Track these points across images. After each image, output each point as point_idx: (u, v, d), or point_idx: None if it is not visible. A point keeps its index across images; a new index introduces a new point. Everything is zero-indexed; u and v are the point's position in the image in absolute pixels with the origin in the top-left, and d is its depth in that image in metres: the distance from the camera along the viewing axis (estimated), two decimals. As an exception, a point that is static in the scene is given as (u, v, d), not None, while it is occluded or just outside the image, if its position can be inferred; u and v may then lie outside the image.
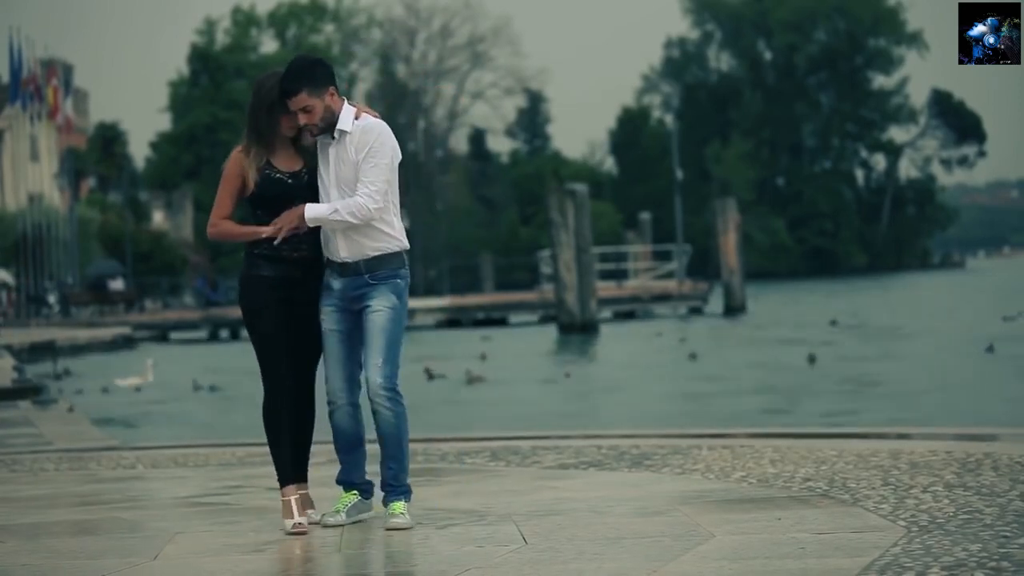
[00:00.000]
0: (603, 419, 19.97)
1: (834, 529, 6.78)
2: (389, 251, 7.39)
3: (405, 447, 7.43)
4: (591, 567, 6.19)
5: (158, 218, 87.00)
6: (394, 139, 7.39)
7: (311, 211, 7.28)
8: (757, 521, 7.08)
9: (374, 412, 7.36)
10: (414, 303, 45.22)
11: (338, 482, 7.55)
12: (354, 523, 7.47)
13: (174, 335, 51.43)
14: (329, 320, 7.41)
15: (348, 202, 7.25)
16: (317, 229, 7.36)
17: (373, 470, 7.53)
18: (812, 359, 29.06)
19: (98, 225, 70.79)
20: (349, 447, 7.48)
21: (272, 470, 7.58)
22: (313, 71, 7.27)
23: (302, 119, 7.28)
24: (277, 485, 7.52)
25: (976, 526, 6.66)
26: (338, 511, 7.46)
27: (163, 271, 72.66)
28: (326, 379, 7.43)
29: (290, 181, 7.35)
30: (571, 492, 8.33)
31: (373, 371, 7.33)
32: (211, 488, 9.30)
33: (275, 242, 7.30)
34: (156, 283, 71.36)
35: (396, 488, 7.40)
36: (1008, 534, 6.43)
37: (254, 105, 7.32)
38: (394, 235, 7.40)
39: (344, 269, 7.37)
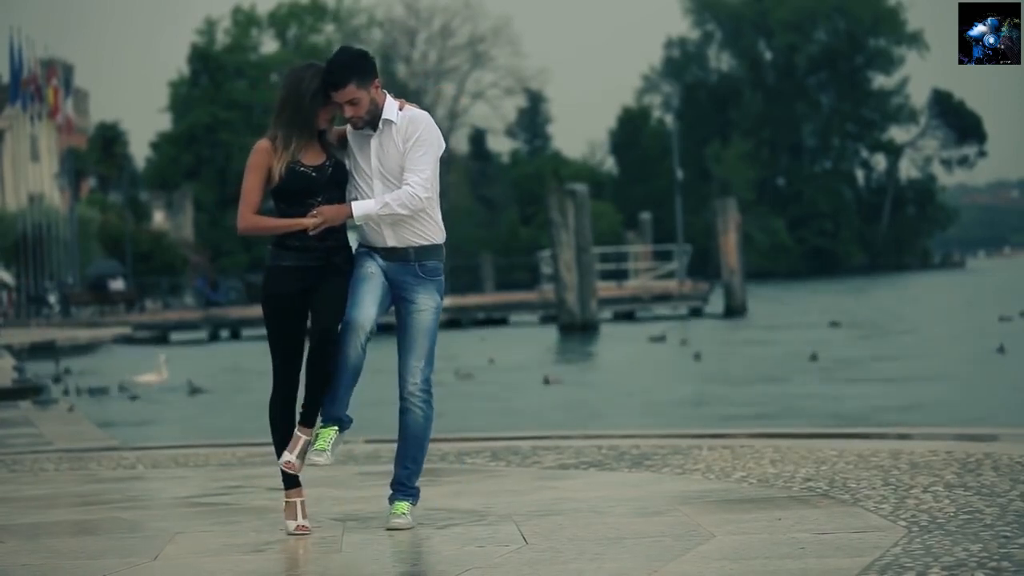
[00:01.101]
0: (604, 419, 19.96)
1: (834, 529, 6.77)
2: (435, 242, 7.31)
3: (425, 450, 7.41)
4: (591, 567, 6.18)
5: (158, 218, 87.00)
6: (439, 131, 7.30)
7: (359, 208, 7.14)
8: (757, 521, 7.08)
9: (404, 411, 7.31)
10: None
11: (327, 418, 7.23)
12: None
13: (174, 335, 51.40)
14: (373, 267, 7.21)
15: (397, 193, 7.14)
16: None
17: (386, 470, 7.51)
18: (814, 357, 29.06)
19: (98, 225, 70.78)
20: (351, 383, 7.24)
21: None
22: (360, 63, 7.12)
23: (348, 111, 7.12)
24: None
25: (976, 526, 6.65)
26: (324, 449, 7.19)
27: (163, 271, 72.66)
28: (354, 310, 7.12)
29: (314, 175, 7.16)
30: (571, 492, 8.33)
31: (413, 372, 7.27)
32: (211, 488, 9.29)
33: (311, 233, 7.12)
34: (156, 283, 71.35)
35: (406, 488, 7.37)
36: (1008, 534, 6.43)
37: (294, 97, 7.09)
38: (439, 226, 7.32)
39: (391, 254, 7.25)
